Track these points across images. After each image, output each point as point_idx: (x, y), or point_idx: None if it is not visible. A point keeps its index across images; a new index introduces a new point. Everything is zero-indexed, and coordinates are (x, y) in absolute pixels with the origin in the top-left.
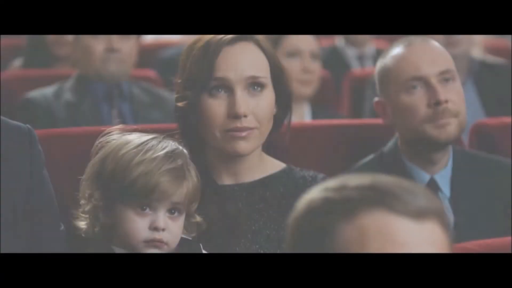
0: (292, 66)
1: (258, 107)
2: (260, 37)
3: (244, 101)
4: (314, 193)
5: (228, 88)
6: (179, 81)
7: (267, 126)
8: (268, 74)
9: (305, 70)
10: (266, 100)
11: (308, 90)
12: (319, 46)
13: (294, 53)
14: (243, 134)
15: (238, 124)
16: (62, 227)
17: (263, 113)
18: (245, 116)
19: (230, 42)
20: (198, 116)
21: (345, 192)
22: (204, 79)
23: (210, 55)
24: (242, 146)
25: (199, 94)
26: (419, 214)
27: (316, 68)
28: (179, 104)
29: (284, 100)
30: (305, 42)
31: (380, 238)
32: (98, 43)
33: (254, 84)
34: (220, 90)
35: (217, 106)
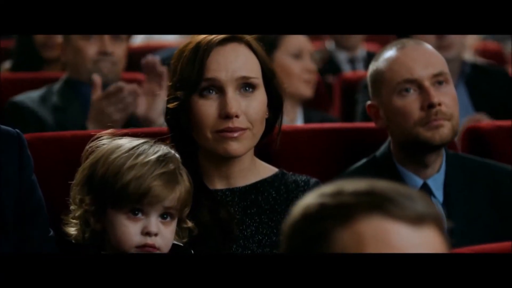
0: (296, 67)
1: (250, 108)
2: (251, 39)
3: (236, 101)
4: (309, 199)
5: (219, 88)
6: (170, 83)
7: (260, 127)
8: (259, 75)
9: (308, 70)
10: (258, 101)
11: (309, 91)
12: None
13: (297, 53)
14: (235, 134)
15: (230, 125)
16: (52, 233)
17: (255, 114)
18: (237, 116)
19: (221, 43)
20: (189, 118)
21: (341, 198)
22: (194, 80)
23: (200, 56)
24: (234, 147)
25: (190, 95)
26: (417, 220)
27: (315, 70)
28: (170, 105)
29: (276, 103)
30: (306, 43)
31: (377, 244)
32: (90, 45)
33: (246, 85)
34: (211, 91)
35: (208, 106)
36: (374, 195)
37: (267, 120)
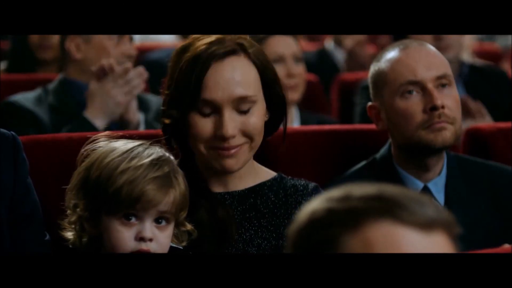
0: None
1: (247, 124)
2: (251, 50)
3: (232, 121)
4: (316, 204)
5: (216, 108)
6: (167, 92)
7: (258, 139)
8: (258, 88)
9: (290, 75)
10: (255, 116)
11: (295, 95)
12: (300, 48)
13: (277, 60)
14: (231, 152)
15: (226, 144)
16: (47, 237)
17: (253, 129)
18: (233, 137)
19: (220, 57)
20: (186, 130)
21: (349, 203)
22: (191, 99)
23: (198, 72)
24: (230, 163)
25: (187, 111)
26: (426, 225)
27: (301, 71)
28: (166, 121)
29: (277, 105)
30: (287, 46)
31: (386, 250)
32: (115, 45)
33: (243, 104)
34: (208, 110)
35: (204, 124)
36: (383, 200)
37: (267, 122)
